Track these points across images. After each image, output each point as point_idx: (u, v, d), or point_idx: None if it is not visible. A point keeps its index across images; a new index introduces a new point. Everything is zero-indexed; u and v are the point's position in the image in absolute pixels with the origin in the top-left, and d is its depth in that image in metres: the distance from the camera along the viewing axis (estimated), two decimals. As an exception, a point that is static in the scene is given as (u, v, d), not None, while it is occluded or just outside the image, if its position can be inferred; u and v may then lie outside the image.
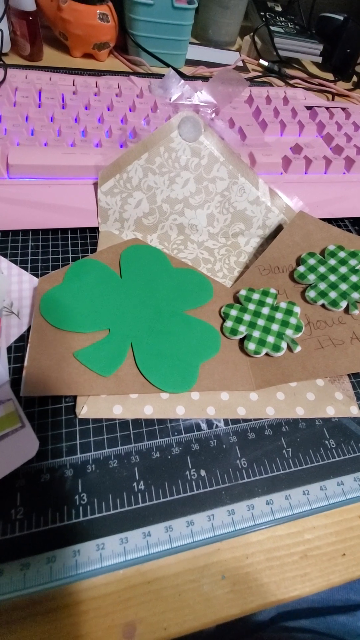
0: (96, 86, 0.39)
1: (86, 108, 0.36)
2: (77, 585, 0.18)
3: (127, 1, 0.47)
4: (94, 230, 0.31)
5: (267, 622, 0.35)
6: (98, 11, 0.46)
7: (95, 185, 0.30)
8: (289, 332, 0.25)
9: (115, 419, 0.22)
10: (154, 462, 0.21)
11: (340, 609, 0.35)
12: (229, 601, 0.19)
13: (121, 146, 0.33)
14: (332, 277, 0.27)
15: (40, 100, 0.36)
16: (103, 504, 0.19)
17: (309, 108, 0.43)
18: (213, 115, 0.31)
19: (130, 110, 0.37)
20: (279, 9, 0.63)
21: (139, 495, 0.20)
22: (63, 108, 0.36)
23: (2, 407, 0.20)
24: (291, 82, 0.55)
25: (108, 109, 0.37)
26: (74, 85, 0.39)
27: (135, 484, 0.20)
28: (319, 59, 0.60)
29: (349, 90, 0.57)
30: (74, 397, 0.22)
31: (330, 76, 0.60)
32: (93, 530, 0.19)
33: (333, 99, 0.55)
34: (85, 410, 0.22)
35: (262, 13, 0.60)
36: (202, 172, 0.30)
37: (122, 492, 0.20)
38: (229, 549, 0.20)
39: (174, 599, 0.18)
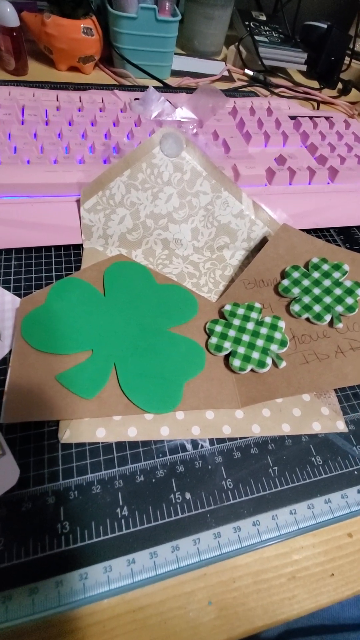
0: (80, 101, 0.39)
1: (70, 124, 0.36)
2: (61, 617, 0.18)
3: (111, 15, 0.47)
4: (79, 247, 0.31)
5: (275, 637, 0.35)
6: (82, 25, 0.46)
7: (79, 202, 0.30)
8: (273, 347, 0.25)
9: (98, 442, 0.22)
10: (137, 486, 0.21)
11: (351, 626, 0.34)
12: (215, 628, 0.19)
13: (105, 162, 0.33)
14: (316, 291, 0.27)
15: (23, 117, 0.36)
16: (86, 532, 0.19)
17: (293, 118, 0.43)
18: (195, 130, 0.31)
19: (114, 125, 0.37)
20: (263, 18, 0.64)
21: (123, 521, 0.20)
22: (46, 124, 0.36)
23: (-18, 435, 0.20)
24: (276, 91, 0.56)
25: (92, 124, 0.37)
26: (57, 100, 0.39)
27: (118, 509, 0.20)
28: (304, 67, 0.60)
29: (334, 97, 0.58)
30: (57, 421, 0.22)
31: (315, 84, 0.60)
32: (76, 559, 0.18)
33: (318, 107, 0.56)
34: (68, 434, 0.21)
35: (247, 23, 0.60)
36: (185, 187, 0.30)
37: (105, 519, 0.19)
38: (216, 573, 0.20)
39: (160, 627, 0.18)
